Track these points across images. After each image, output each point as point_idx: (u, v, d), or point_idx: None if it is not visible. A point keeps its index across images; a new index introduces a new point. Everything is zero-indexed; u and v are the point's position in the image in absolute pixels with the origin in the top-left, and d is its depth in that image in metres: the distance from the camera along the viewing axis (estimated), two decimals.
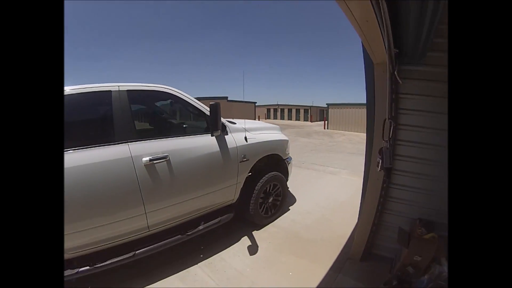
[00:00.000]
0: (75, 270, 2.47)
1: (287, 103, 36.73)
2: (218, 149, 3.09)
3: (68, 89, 2.46)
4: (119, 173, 2.51)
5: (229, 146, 3.18)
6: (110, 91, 2.61)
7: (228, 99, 22.19)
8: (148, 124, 3.69)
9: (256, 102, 26.03)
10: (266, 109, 37.55)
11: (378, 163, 2.15)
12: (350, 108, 16.77)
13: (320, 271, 2.70)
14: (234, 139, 3.25)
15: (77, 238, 2.44)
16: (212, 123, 2.92)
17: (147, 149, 2.66)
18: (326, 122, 17.98)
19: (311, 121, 27.54)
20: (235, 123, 3.46)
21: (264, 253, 3.16)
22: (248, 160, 3.34)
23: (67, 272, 2.44)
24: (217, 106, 2.88)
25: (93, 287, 2.64)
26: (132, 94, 2.74)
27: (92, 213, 2.44)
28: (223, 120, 3.16)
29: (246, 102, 23.07)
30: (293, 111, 35.19)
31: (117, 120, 2.59)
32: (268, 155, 3.63)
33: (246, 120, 3.69)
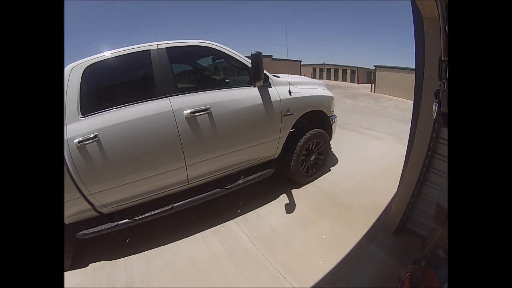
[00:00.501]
0: (115, 223, 2.60)
1: (333, 63, 35.09)
2: (261, 101, 2.93)
3: (108, 53, 2.53)
4: (161, 126, 2.51)
5: (272, 99, 3.00)
6: (149, 50, 2.61)
7: (273, 57, 21.53)
8: (190, 80, 3.67)
9: (301, 61, 25.04)
10: (312, 68, 36.02)
11: (434, 109, 1.88)
12: (399, 72, 15.48)
13: (353, 238, 2.59)
14: (277, 92, 3.06)
15: (119, 192, 2.53)
16: (254, 73, 2.78)
17: (188, 102, 2.61)
18: (373, 85, 16.98)
19: (358, 83, 26.13)
20: (279, 77, 3.26)
21: (301, 213, 3.09)
22: (291, 114, 3.15)
23: (107, 226, 2.61)
24: (259, 55, 2.72)
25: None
26: (172, 51, 2.70)
27: (134, 167, 2.50)
28: (266, 72, 2.98)
29: (291, 60, 22.31)
30: (340, 71, 33.42)
31: (157, 76, 2.60)
32: (312, 111, 3.41)
33: (291, 75, 3.46)
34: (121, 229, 2.68)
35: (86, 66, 2.41)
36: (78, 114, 2.34)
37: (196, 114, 2.60)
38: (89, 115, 2.37)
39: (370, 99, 12.07)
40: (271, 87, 3.05)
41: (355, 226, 2.74)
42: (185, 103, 2.60)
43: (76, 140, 2.26)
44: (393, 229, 2.56)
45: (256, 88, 2.94)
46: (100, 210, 2.58)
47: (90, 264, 2.70)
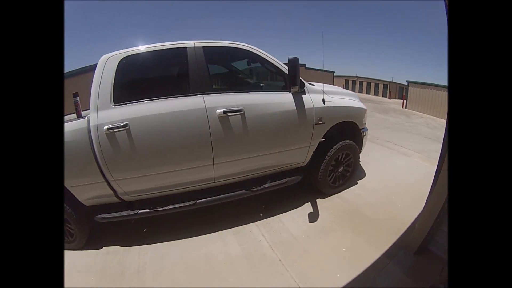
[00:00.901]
0: (135, 212, 2.64)
1: (366, 76, 34.31)
2: (295, 107, 2.89)
3: (143, 47, 2.59)
4: (192, 123, 2.53)
5: (305, 106, 2.94)
6: (186, 47, 2.64)
7: (306, 66, 21.34)
8: (224, 81, 3.69)
9: (334, 72, 24.59)
10: (344, 80, 35.27)
11: None
12: (432, 89, 14.88)
13: (373, 253, 2.49)
14: (311, 100, 3.00)
15: (143, 182, 2.57)
16: (290, 79, 2.73)
17: (222, 102, 2.62)
18: (405, 101, 16.45)
19: (390, 98, 25.41)
20: (313, 85, 3.21)
21: (323, 223, 3.01)
22: (324, 123, 3.07)
23: (127, 213, 2.66)
24: (296, 61, 2.67)
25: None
26: (208, 50, 2.72)
27: (161, 160, 2.53)
28: (302, 79, 2.93)
29: (324, 70, 22.03)
30: (372, 85, 32.55)
31: (192, 73, 2.62)
32: (344, 121, 3.33)
33: (325, 84, 3.40)
34: (139, 219, 2.73)
35: (122, 57, 2.49)
36: (111, 102, 2.41)
37: (229, 114, 2.60)
38: (121, 104, 2.44)
39: (401, 115, 11.83)
40: (305, 94, 2.99)
41: (376, 242, 2.65)
42: (219, 102, 2.60)
43: (106, 127, 2.33)
44: (415, 249, 2.44)
45: (290, 94, 2.90)
46: (121, 197, 2.64)
47: (104, 247, 2.78)
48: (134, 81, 2.72)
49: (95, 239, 2.85)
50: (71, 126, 2.39)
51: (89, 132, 2.36)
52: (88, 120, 2.39)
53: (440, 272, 2.13)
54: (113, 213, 2.65)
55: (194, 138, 2.57)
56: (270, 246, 2.70)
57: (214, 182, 2.83)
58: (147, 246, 2.76)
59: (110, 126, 2.34)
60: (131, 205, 2.75)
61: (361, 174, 4.12)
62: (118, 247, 2.77)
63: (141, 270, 2.46)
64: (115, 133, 2.36)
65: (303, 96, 2.96)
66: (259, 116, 2.74)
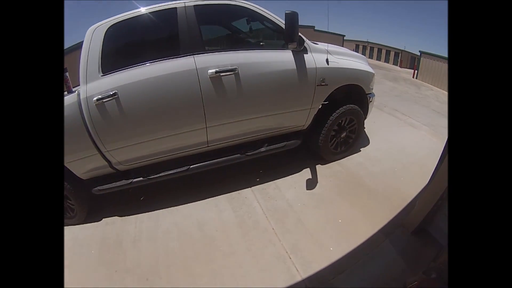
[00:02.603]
0: (129, 181, 2.57)
1: (377, 42, 32.94)
2: (295, 67, 2.58)
3: (132, 12, 2.39)
4: (182, 85, 2.34)
5: (307, 66, 2.63)
6: (176, 7, 2.41)
7: (315, 28, 20.39)
8: (223, 41, 3.39)
9: (344, 36, 23.48)
10: (354, 45, 33.80)
11: None
12: (444, 63, 13.94)
13: (369, 229, 2.33)
14: (314, 59, 2.68)
15: (136, 150, 2.49)
16: (287, 34, 2.40)
17: (214, 61, 2.38)
18: (416, 71, 15.76)
19: (401, 66, 24.31)
20: (317, 44, 2.87)
21: (321, 191, 2.83)
22: (326, 85, 2.76)
23: (121, 183, 2.58)
24: (294, 15, 2.33)
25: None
26: (199, 9, 2.46)
27: (152, 126, 2.42)
28: (302, 36, 2.61)
29: (334, 33, 21.02)
30: (383, 51, 31.32)
31: (182, 34, 2.41)
32: (349, 84, 2.99)
33: (330, 44, 3.05)
34: (137, 187, 2.67)
35: (109, 25, 2.33)
36: (99, 72, 2.28)
37: (221, 74, 2.36)
38: (110, 73, 2.30)
39: (411, 85, 11.25)
40: (307, 53, 2.67)
41: (373, 217, 2.48)
42: (211, 62, 2.37)
43: (95, 98, 2.23)
44: (412, 229, 2.27)
45: (290, 53, 2.59)
46: (116, 167, 2.58)
47: (103, 219, 2.75)
48: (123, 48, 2.54)
49: (94, 211, 2.82)
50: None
51: (80, 105, 2.27)
52: (79, 94, 2.29)
53: (435, 257, 2.01)
54: (108, 184, 2.59)
55: (185, 101, 2.38)
56: (264, 213, 2.58)
57: (208, 146, 2.66)
58: (143, 215, 2.71)
59: (99, 96, 2.23)
60: (126, 174, 2.65)
61: (365, 142, 3.84)
62: (116, 217, 2.74)
63: (137, 239, 2.43)
64: (105, 103, 2.25)
65: (304, 55, 2.65)
66: (255, 76, 2.48)
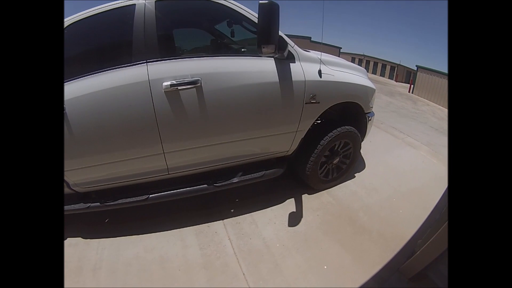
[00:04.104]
0: (87, 205, 2.23)
1: (373, 56, 32.83)
2: (277, 79, 2.06)
3: (83, 14, 1.96)
4: (132, 100, 1.87)
5: (293, 78, 2.11)
6: (134, 4, 1.94)
7: (312, 39, 20.06)
8: (190, 46, 2.83)
9: (341, 48, 23.14)
10: (350, 58, 33.84)
11: None
12: (441, 78, 13.90)
13: (361, 276, 1.95)
14: (302, 70, 2.16)
15: (90, 173, 2.10)
16: (261, 33, 1.75)
17: (171, 71, 1.87)
18: (412, 86, 15.53)
19: (396, 81, 24.17)
20: (308, 51, 2.36)
21: (305, 229, 2.37)
22: (318, 103, 2.25)
23: (78, 206, 2.24)
24: (272, 5, 1.70)
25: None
26: (162, 5, 1.98)
27: (103, 148, 2.00)
28: (286, 38, 2.11)
29: (330, 45, 20.73)
30: (379, 65, 31.29)
31: (136, 37, 1.90)
32: (346, 102, 2.48)
33: (324, 53, 2.53)
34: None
35: None
36: None
37: (179, 87, 1.86)
38: None
39: (406, 100, 11.10)
40: (294, 63, 2.16)
41: (366, 260, 2.08)
42: (167, 71, 1.87)
43: None
44: (411, 275, 1.87)
45: (273, 61, 2.08)
46: (74, 188, 2.20)
47: (68, 239, 2.41)
48: (72, 57, 2.03)
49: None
50: None
51: None
52: None
53: None
54: (66, 206, 2.21)
55: (136, 120, 1.89)
56: (236, 254, 2.12)
57: (169, 174, 2.20)
58: (106, 240, 2.36)
59: None
60: (86, 196, 2.30)
61: (361, 165, 3.39)
62: (80, 239, 2.40)
63: (97, 268, 2.11)
64: None
65: (291, 64, 2.13)
66: (223, 90, 1.97)
